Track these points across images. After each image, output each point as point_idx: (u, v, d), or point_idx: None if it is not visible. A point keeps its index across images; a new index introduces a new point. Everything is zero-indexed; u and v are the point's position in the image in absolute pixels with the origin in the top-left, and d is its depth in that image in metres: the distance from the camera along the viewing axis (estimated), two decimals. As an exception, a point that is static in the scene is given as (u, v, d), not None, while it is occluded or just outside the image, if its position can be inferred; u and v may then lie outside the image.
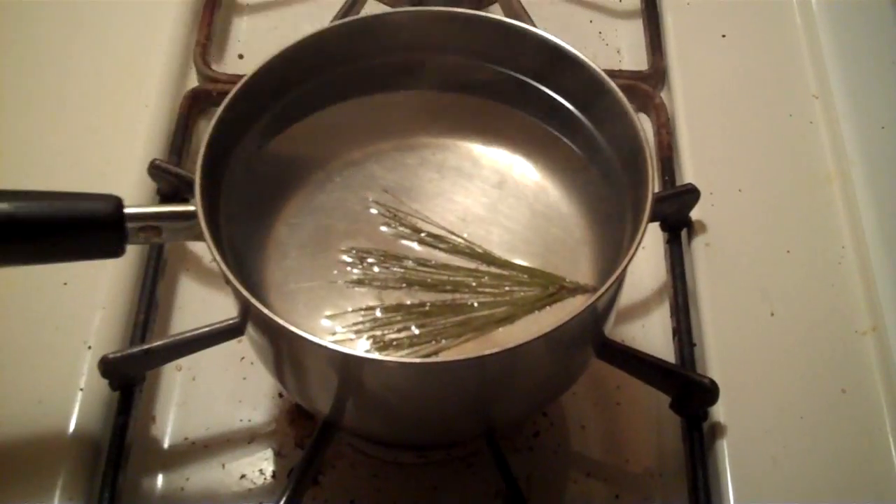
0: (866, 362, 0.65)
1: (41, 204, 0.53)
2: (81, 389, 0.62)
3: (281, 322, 0.50)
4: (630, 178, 0.58)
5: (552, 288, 0.58)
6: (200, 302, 0.71)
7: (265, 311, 0.50)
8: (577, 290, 0.58)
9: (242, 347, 0.66)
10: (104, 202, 0.55)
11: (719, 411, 0.62)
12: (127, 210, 0.55)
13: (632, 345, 0.65)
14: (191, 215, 0.54)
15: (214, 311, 0.67)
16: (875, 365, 0.64)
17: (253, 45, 0.85)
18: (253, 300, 0.50)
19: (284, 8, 0.88)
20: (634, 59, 0.84)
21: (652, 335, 0.69)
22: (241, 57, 0.84)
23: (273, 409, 0.66)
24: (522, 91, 0.64)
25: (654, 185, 0.54)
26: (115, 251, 0.56)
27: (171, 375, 0.67)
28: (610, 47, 0.86)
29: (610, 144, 0.60)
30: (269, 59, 0.60)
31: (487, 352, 0.49)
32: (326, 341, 0.50)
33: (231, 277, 0.51)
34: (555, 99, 0.63)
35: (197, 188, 0.53)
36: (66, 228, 0.54)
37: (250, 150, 0.61)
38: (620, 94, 0.58)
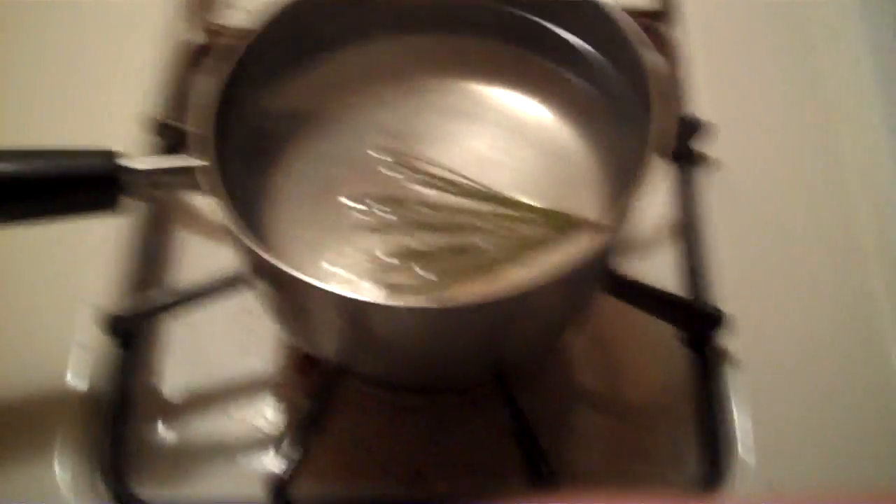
0: (875, 291, 0.64)
1: (34, 161, 0.52)
2: (82, 345, 0.62)
3: (285, 268, 0.49)
4: (642, 115, 0.56)
5: (560, 224, 0.57)
6: (197, 255, 0.70)
7: (269, 257, 0.50)
8: (584, 225, 0.57)
9: (249, 301, 0.65)
10: (98, 157, 0.54)
11: (730, 345, 0.62)
12: (122, 163, 0.54)
13: (641, 279, 0.65)
14: (189, 169, 0.53)
15: (212, 264, 0.66)
16: (883, 294, 0.64)
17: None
18: (256, 247, 0.50)
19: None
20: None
21: (660, 268, 0.68)
22: (229, 7, 0.82)
23: (281, 359, 0.65)
24: (530, 30, 0.63)
25: (665, 119, 0.53)
26: (112, 207, 0.55)
27: (174, 329, 0.66)
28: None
29: (621, 79, 0.59)
30: (275, 11, 0.59)
31: (496, 296, 0.49)
32: (331, 286, 0.49)
33: (234, 228, 0.50)
34: (563, 36, 0.62)
35: (203, 141, 0.52)
36: (61, 185, 0.53)
37: (251, 101, 0.59)
38: (633, 28, 0.57)
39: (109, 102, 0.72)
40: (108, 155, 0.54)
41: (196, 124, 0.54)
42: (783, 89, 0.75)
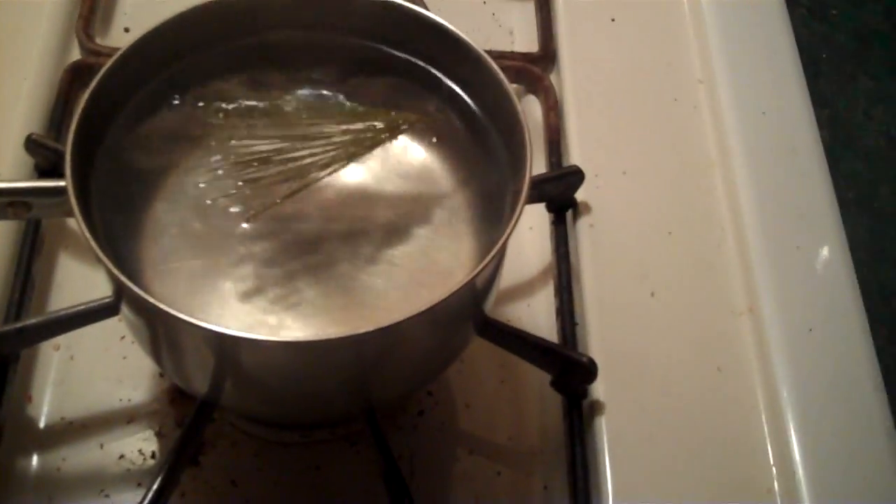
0: (742, 342, 0.66)
1: None
2: (-48, 367, 0.60)
3: (148, 298, 0.49)
4: (512, 158, 0.58)
5: (390, 124, 0.60)
6: (80, 279, 0.69)
7: (135, 288, 0.49)
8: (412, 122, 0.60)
9: (123, 326, 0.64)
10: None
11: (599, 389, 0.63)
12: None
13: (517, 324, 0.66)
14: (61, 191, 0.52)
15: (95, 289, 0.65)
16: (750, 345, 0.66)
17: (140, 18, 0.83)
18: (122, 277, 0.49)
19: (172, -19, 0.86)
20: (526, 41, 0.83)
21: (536, 315, 0.70)
22: (126, 30, 0.82)
23: (154, 388, 0.65)
24: (406, 70, 0.63)
25: (531, 164, 0.54)
26: None
27: (48, 354, 0.65)
28: (503, 29, 0.86)
29: (493, 124, 0.60)
30: (148, 30, 0.59)
31: (361, 330, 0.49)
32: (192, 317, 0.49)
33: (101, 255, 0.50)
34: (437, 77, 0.62)
35: (67, 162, 0.52)
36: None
37: (126, 124, 0.59)
38: (499, 72, 0.58)
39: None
40: None
41: (67, 144, 0.53)
42: (655, 136, 0.77)
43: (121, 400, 0.64)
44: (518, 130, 0.55)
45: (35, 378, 0.65)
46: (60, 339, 0.65)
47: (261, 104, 0.61)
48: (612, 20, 0.82)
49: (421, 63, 0.63)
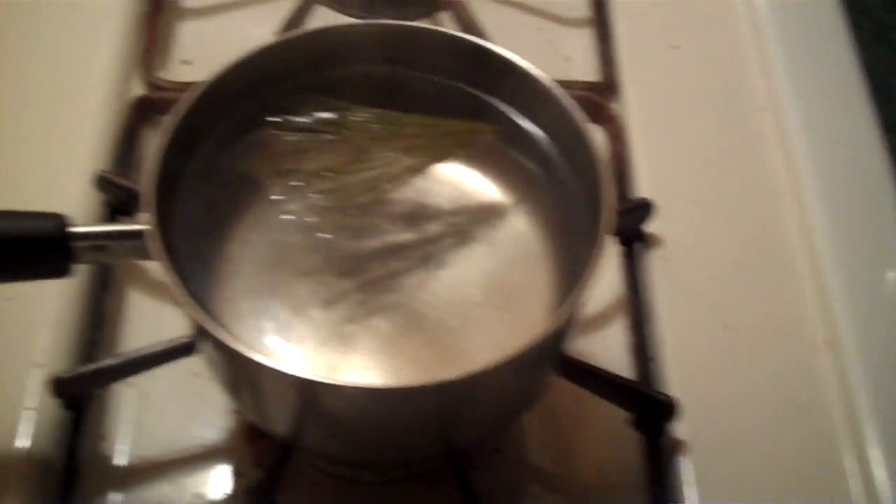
0: (822, 377, 0.65)
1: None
2: (30, 408, 0.60)
3: (229, 341, 0.49)
4: (586, 193, 0.58)
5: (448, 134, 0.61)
6: (149, 317, 0.69)
7: (219, 334, 0.49)
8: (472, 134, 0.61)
9: (196, 363, 0.64)
10: (47, 221, 0.53)
11: (678, 427, 0.62)
12: (71, 230, 0.53)
13: (588, 359, 0.65)
14: (139, 234, 0.52)
15: (164, 326, 0.66)
16: (831, 379, 0.65)
17: (198, 50, 0.83)
18: (207, 323, 0.49)
19: (229, 12, 0.86)
20: (584, 68, 0.83)
21: (608, 348, 0.69)
22: (187, 63, 0.82)
23: (228, 426, 0.64)
24: (477, 106, 0.63)
25: (613, 204, 0.54)
26: (62, 271, 0.54)
27: (122, 392, 0.65)
28: (559, 56, 0.85)
29: (566, 159, 0.60)
30: (226, 66, 0.59)
31: (446, 378, 0.49)
32: (276, 362, 0.49)
33: (185, 299, 0.50)
34: (507, 113, 0.63)
35: (148, 205, 0.51)
36: (9, 249, 0.52)
37: (202, 163, 0.59)
38: (576, 109, 0.58)
39: (55, 159, 0.71)
40: (56, 219, 0.53)
41: (146, 185, 0.53)
42: (722, 166, 0.76)
43: (196, 438, 0.64)
44: (594, 171, 0.55)
45: (111, 417, 0.64)
46: (134, 378, 0.64)
47: (332, 115, 0.61)
48: (674, 48, 0.82)
49: (494, 100, 0.63)
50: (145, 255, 0.53)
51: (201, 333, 0.54)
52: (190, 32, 0.84)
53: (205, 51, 0.83)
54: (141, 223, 0.53)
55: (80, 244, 0.54)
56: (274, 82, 0.61)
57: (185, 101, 0.57)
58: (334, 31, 0.62)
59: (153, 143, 0.55)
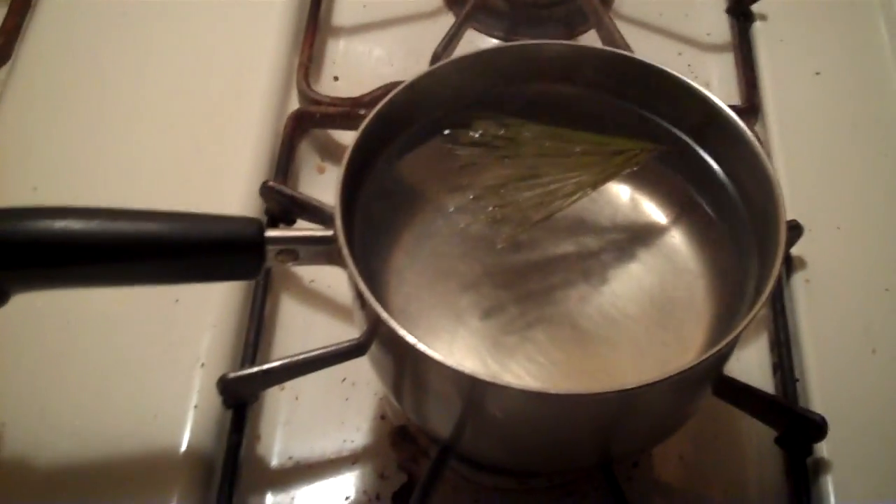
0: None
1: (186, 224, 0.54)
2: (195, 407, 0.63)
3: (413, 341, 0.50)
4: (752, 216, 0.59)
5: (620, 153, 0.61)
6: (301, 322, 0.72)
7: (401, 332, 0.51)
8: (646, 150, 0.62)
9: (344, 369, 0.66)
10: (247, 225, 0.56)
11: (823, 447, 0.63)
12: (268, 233, 0.56)
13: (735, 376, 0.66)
14: (328, 240, 0.55)
15: (314, 331, 0.69)
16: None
17: (347, 67, 0.86)
18: (391, 321, 0.51)
19: (378, 31, 0.89)
20: (725, 92, 0.84)
21: (748, 367, 0.70)
22: (336, 79, 0.85)
23: (376, 430, 0.67)
24: (643, 125, 0.65)
25: (783, 249, 0.54)
26: (254, 273, 0.57)
27: (275, 395, 0.68)
28: (699, 80, 0.84)
29: (732, 181, 0.62)
30: (408, 82, 0.61)
31: (622, 386, 0.50)
32: (451, 360, 0.50)
33: (369, 297, 0.52)
34: (676, 133, 0.64)
35: (337, 213, 0.54)
36: (210, 250, 0.55)
37: (379, 174, 0.61)
38: (750, 134, 0.59)
39: (221, 167, 0.75)
40: (255, 223, 0.56)
41: (336, 195, 0.55)
42: (866, 191, 0.76)
43: (344, 441, 0.66)
44: (770, 198, 0.56)
45: (264, 418, 0.67)
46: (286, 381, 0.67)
47: (504, 132, 0.63)
48: (817, 73, 0.82)
49: (661, 120, 0.64)
50: (331, 260, 0.56)
51: (382, 332, 0.55)
52: (339, 50, 0.88)
53: (352, 68, 0.86)
54: (328, 230, 0.55)
55: (275, 247, 0.56)
56: (447, 100, 0.63)
57: (371, 117, 0.59)
58: (507, 50, 0.64)
59: (343, 157, 0.57)
